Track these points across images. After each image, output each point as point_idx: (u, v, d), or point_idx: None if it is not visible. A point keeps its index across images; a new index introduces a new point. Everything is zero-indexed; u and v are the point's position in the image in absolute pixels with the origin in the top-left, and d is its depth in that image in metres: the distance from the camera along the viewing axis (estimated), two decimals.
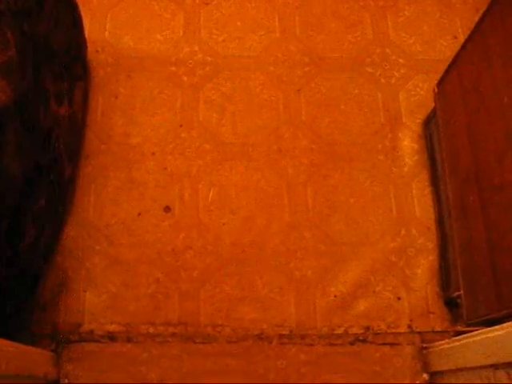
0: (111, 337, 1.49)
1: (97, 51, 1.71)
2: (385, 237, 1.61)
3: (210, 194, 1.62)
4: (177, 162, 1.64)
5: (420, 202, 1.65)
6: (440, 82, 1.60)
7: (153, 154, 1.64)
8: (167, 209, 1.61)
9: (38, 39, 1.31)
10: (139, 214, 1.59)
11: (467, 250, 1.46)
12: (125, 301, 1.52)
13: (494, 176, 1.36)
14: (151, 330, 1.50)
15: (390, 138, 1.69)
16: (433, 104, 1.63)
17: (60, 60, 1.46)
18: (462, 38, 1.80)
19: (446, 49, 1.78)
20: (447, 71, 1.57)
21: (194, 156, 1.65)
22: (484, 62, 1.40)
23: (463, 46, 1.49)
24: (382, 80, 1.74)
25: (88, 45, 1.65)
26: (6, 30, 1.16)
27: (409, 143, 1.69)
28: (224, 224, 1.58)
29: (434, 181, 1.66)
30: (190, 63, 1.74)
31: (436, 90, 1.61)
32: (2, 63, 1.14)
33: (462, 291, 1.46)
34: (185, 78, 1.72)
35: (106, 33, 1.77)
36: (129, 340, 1.49)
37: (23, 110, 1.20)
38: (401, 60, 1.77)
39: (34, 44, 1.27)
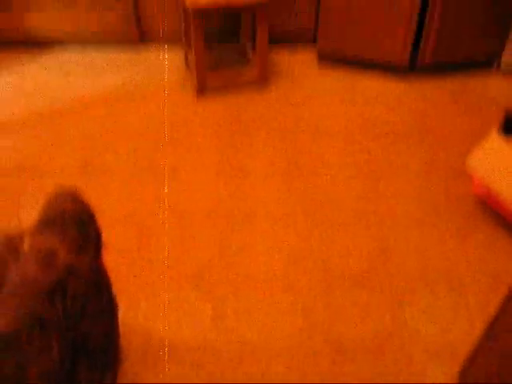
0: None
1: (127, 339, 1.82)
2: None
3: None
4: None
5: None
6: (462, 374, 1.64)
7: None
8: None
9: (78, 339, 1.43)
10: None
11: None
12: None
13: None
14: None
15: None
16: None
17: (95, 348, 1.56)
18: (478, 323, 1.88)
19: (464, 335, 1.85)
20: (469, 362, 1.61)
21: None
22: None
23: (484, 337, 1.56)
24: (402, 372, 1.77)
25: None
26: (52, 338, 1.29)
27: None
28: None
29: None
30: (216, 349, 1.82)
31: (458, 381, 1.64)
32: (45, 370, 1.24)
33: None
34: (212, 368, 1.79)
35: (139, 320, 1.90)
36: None
37: None
38: (419, 349, 1.83)
39: (73, 344, 1.38)
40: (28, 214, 2.33)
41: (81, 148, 2.78)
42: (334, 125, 2.95)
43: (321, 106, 3.12)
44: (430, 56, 3.29)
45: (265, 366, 1.76)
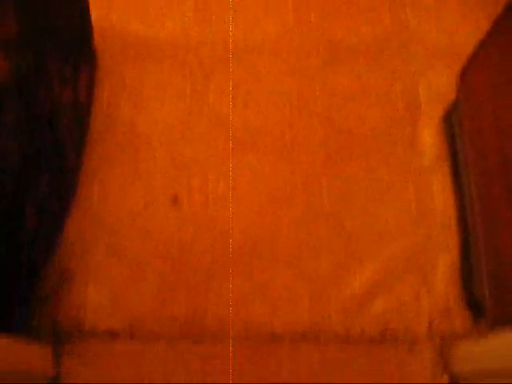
0: (114, 334, 1.42)
1: (103, 36, 1.65)
2: (403, 233, 1.52)
3: (220, 186, 1.54)
4: (185, 151, 1.57)
5: (440, 197, 1.56)
6: (463, 72, 1.52)
7: (161, 143, 1.58)
8: (175, 200, 1.54)
9: (41, 15, 1.25)
10: (146, 206, 1.52)
11: (492, 247, 1.37)
12: (129, 296, 1.44)
13: None
14: (156, 327, 1.43)
15: (408, 130, 1.61)
16: (454, 94, 1.55)
17: (64, 40, 1.40)
18: (484, 26, 1.71)
19: (468, 37, 1.70)
20: (471, 60, 1.49)
21: (204, 146, 1.58)
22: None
23: (488, 34, 1.42)
24: (400, 69, 1.66)
25: (94, 30, 1.58)
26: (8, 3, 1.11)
27: (429, 135, 1.61)
28: (233, 216, 1.51)
29: (456, 175, 1.58)
30: (201, 49, 1.67)
31: (459, 80, 1.53)
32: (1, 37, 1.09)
33: (486, 291, 1.38)
34: (195, 65, 1.65)
35: (114, 17, 1.70)
36: (132, 337, 1.41)
37: (22, 88, 1.14)
38: (420, 49, 1.69)
39: (36, 19, 1.21)
40: None
41: None
42: None
43: None
44: None
45: (254, 68, 1.63)
